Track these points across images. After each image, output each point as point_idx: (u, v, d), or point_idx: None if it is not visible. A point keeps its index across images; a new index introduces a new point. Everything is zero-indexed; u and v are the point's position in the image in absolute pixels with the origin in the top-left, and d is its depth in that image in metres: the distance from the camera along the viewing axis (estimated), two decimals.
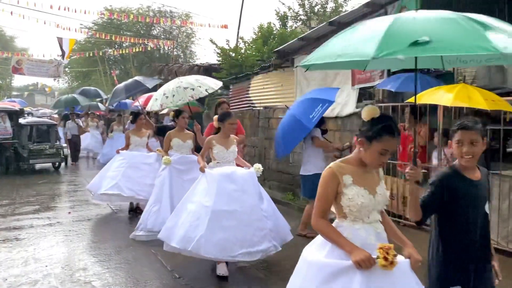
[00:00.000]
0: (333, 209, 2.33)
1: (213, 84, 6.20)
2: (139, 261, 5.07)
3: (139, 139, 7.36)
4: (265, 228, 4.44)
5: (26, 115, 16.65)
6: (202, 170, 4.57)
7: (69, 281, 4.47)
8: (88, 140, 15.54)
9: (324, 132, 6.20)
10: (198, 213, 4.32)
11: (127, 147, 7.31)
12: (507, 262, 4.81)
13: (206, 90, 5.93)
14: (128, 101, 14.34)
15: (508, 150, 5.56)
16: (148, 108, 6.81)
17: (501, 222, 4.95)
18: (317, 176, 5.89)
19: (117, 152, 7.32)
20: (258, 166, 4.68)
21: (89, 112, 17.32)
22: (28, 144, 12.77)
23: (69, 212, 7.59)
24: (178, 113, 6.10)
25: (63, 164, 13.63)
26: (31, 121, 14.03)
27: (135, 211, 7.29)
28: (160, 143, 8.69)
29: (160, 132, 7.64)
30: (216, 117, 4.93)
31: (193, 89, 5.83)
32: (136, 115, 7.62)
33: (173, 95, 5.85)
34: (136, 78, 9.48)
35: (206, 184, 4.46)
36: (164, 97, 5.97)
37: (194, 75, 7.36)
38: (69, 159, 14.18)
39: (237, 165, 4.86)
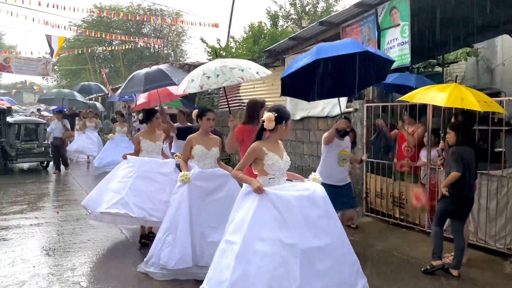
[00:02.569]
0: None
1: (263, 68, 5.25)
2: (129, 261, 5.02)
3: (153, 144, 5.71)
4: (356, 261, 3.47)
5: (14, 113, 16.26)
6: (260, 190, 3.25)
7: (57, 281, 4.42)
8: (81, 141, 13.86)
9: (352, 144, 5.84)
10: (280, 256, 3.09)
11: (136, 154, 5.70)
12: (494, 261, 4.87)
13: (257, 73, 4.95)
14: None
15: (496, 150, 5.62)
16: (179, 91, 5.36)
17: (489, 221, 5.00)
18: None
19: (124, 157, 5.69)
20: (317, 176, 3.65)
21: (89, 111, 15.05)
22: (16, 143, 12.63)
23: (57, 212, 7.51)
24: (202, 112, 4.90)
25: (51, 163, 13.47)
26: (19, 120, 13.84)
27: (148, 237, 5.54)
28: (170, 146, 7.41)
29: (182, 135, 6.19)
30: (271, 115, 3.39)
31: (242, 70, 4.87)
32: (150, 112, 5.92)
33: (217, 75, 4.79)
34: (162, 67, 7.39)
35: (276, 211, 3.21)
36: (204, 77, 4.84)
37: (237, 59, 6.14)
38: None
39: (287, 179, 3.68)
